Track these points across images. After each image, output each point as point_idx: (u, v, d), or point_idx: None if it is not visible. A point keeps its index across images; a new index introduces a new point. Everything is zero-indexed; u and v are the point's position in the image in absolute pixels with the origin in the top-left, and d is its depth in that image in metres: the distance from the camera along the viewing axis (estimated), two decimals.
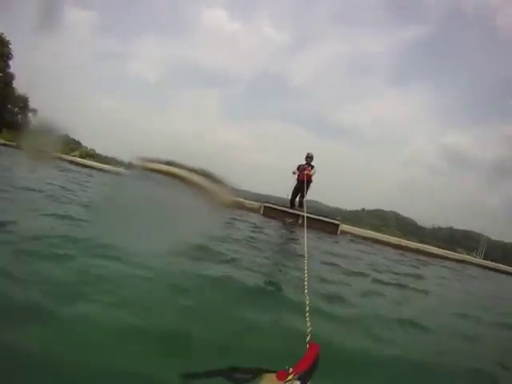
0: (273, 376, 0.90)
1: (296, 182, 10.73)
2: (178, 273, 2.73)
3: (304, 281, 1.69)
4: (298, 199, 10.79)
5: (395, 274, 5.23)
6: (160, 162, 3.41)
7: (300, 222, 10.37)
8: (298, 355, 0.97)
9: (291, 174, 10.80)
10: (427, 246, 12.17)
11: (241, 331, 2.00)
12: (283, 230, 8.43)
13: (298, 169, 10.73)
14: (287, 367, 0.91)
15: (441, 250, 12.52)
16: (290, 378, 0.88)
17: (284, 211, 10.49)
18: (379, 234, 11.93)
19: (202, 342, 1.74)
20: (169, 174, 3.28)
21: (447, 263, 9.93)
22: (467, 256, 17.01)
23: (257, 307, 2.42)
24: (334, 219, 10.94)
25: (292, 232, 8.36)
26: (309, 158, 10.73)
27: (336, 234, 10.40)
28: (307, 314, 1.33)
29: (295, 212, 10.43)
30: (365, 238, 10.66)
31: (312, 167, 10.63)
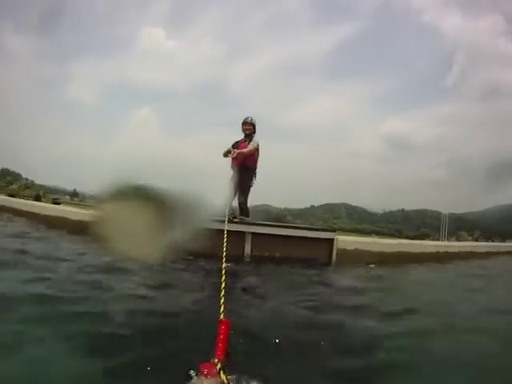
0: (201, 377, 0.90)
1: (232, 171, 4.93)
2: None
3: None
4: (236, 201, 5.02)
5: None
6: None
7: (247, 251, 4.63)
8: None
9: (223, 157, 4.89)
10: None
11: None
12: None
13: (234, 147, 4.79)
14: (211, 359, 0.94)
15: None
16: (219, 367, 0.92)
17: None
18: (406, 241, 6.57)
19: None
20: None
21: None
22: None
23: None
24: (320, 229, 5.39)
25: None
26: (247, 124, 4.86)
27: (330, 259, 4.87)
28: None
29: (234, 228, 4.68)
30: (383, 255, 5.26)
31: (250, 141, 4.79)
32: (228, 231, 4.19)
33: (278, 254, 4.49)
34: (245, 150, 4.73)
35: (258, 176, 4.87)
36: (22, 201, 9.18)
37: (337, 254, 4.71)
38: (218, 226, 3.96)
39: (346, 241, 4.96)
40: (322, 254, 4.70)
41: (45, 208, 6.56)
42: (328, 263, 4.63)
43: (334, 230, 4.95)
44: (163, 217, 2.20)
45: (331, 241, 4.71)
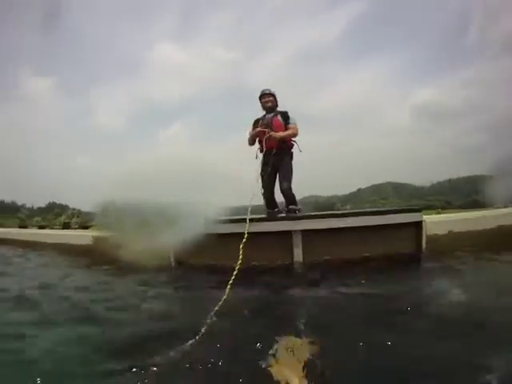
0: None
1: (262, 157, 3.79)
2: None
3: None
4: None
5: None
6: None
7: (298, 257, 3.46)
8: None
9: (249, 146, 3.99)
10: None
11: None
12: None
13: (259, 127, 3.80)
14: None
15: None
16: None
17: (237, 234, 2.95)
18: None
19: None
20: None
21: None
22: None
23: None
24: (401, 210, 3.90)
25: None
26: (267, 96, 3.89)
27: (420, 250, 3.62)
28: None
29: (283, 227, 3.40)
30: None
31: (287, 118, 3.79)
32: (267, 233, 3.19)
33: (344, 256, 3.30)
34: (283, 134, 3.76)
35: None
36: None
37: (426, 242, 3.43)
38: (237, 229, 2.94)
39: (437, 222, 3.63)
40: (405, 246, 3.43)
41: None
42: (420, 252, 3.36)
43: (419, 210, 3.60)
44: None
45: (418, 224, 3.42)
